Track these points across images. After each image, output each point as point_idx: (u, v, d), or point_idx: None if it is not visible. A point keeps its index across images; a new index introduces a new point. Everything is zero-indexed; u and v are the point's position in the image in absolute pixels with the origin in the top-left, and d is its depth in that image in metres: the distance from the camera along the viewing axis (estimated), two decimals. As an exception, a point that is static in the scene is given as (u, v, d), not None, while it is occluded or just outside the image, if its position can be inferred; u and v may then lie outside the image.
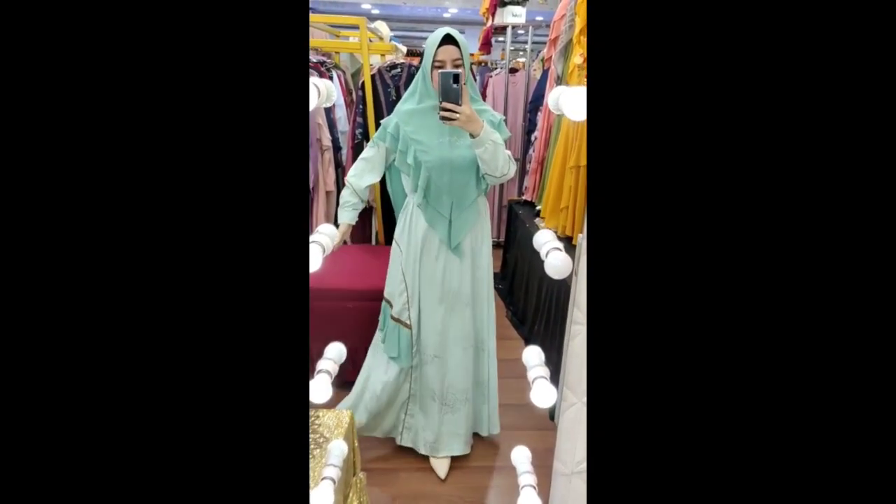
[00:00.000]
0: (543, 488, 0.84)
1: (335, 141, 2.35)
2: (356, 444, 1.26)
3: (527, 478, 0.84)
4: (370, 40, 2.45)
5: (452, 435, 1.60)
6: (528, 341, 2.35)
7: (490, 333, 1.59)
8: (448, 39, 1.28)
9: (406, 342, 1.52)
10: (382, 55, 2.50)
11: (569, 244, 1.93)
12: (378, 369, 1.59)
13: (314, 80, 0.58)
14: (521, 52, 5.34)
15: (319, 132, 2.26)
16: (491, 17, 3.17)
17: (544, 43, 2.84)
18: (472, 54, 3.15)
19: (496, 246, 2.01)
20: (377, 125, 2.15)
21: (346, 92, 2.52)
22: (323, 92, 0.60)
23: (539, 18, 4.56)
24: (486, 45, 3.61)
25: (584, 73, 1.82)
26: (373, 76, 2.16)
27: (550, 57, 2.31)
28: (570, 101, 0.61)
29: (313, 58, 2.31)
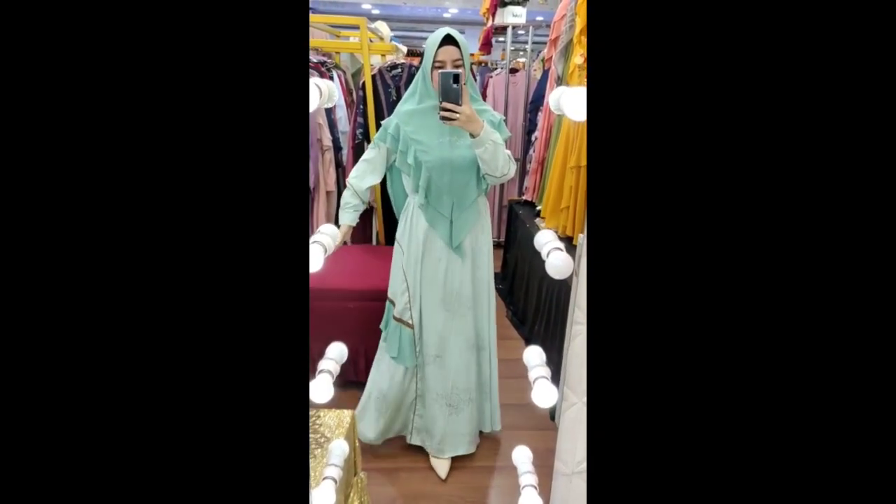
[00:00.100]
0: (544, 488, 0.84)
1: (336, 141, 2.35)
2: (357, 444, 1.26)
3: (528, 478, 0.84)
4: (371, 40, 2.45)
5: (457, 435, 1.60)
6: (528, 341, 2.35)
7: (491, 333, 1.60)
8: (448, 40, 1.28)
9: (408, 342, 1.52)
10: (383, 55, 2.51)
11: (569, 244, 1.93)
12: (385, 371, 1.60)
13: (316, 81, 0.58)
14: (521, 53, 5.35)
15: (320, 132, 2.26)
16: (491, 18, 3.17)
17: (544, 43, 2.84)
18: (472, 54, 3.15)
19: (496, 246, 2.01)
20: (378, 125, 2.15)
21: (347, 92, 2.52)
22: (325, 92, 0.60)
23: (539, 18, 4.55)
24: (486, 46, 3.61)
25: (585, 73, 1.82)
26: (373, 76, 2.16)
27: (551, 57, 2.31)
28: (571, 102, 0.61)
29: (314, 58, 2.31)
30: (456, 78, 1.16)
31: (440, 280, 1.47)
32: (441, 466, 1.61)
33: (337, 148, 2.37)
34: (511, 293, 2.81)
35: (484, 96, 3.59)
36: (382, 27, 2.95)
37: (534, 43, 3.55)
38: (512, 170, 1.36)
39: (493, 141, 1.27)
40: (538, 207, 2.56)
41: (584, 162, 1.91)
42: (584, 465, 0.82)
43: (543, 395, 0.74)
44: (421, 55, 1.42)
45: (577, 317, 0.78)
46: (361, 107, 2.20)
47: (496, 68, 4.07)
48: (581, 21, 1.93)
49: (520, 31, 3.54)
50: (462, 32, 1.32)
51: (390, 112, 2.16)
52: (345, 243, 1.47)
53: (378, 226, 2.39)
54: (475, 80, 3.40)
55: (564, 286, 1.83)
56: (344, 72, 2.57)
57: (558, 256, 0.69)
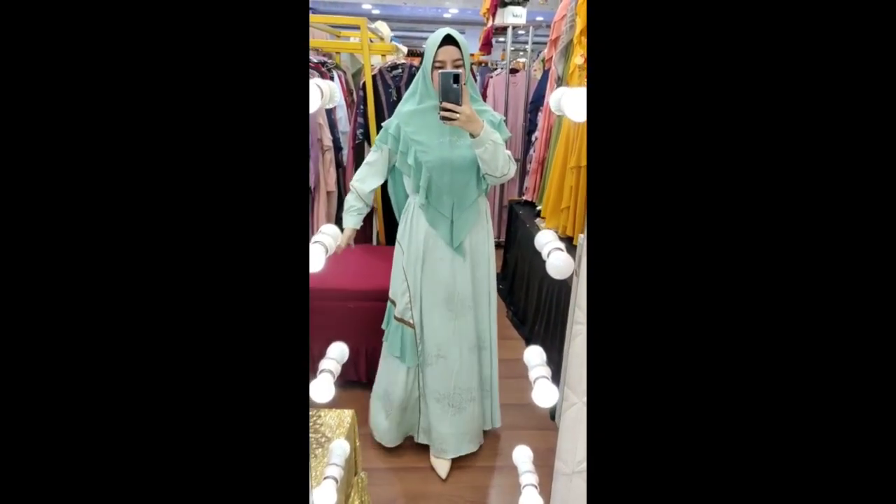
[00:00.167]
0: (545, 488, 0.84)
1: (336, 141, 2.36)
2: (357, 444, 1.27)
3: (528, 477, 0.84)
4: (371, 41, 2.45)
5: (459, 435, 1.60)
6: (528, 341, 2.36)
7: (492, 332, 1.60)
8: (448, 40, 1.28)
9: (410, 341, 1.53)
10: (383, 55, 2.51)
11: (569, 244, 1.94)
12: (389, 371, 1.61)
13: (318, 81, 0.58)
14: (521, 53, 5.34)
15: (321, 132, 2.26)
16: (491, 18, 3.17)
17: (545, 43, 2.84)
18: (472, 55, 3.16)
19: (497, 246, 2.01)
20: (378, 125, 2.16)
21: (347, 92, 2.53)
22: (326, 93, 0.61)
23: (539, 19, 4.56)
24: (486, 46, 3.61)
25: (585, 73, 1.83)
26: (374, 76, 2.16)
27: (551, 57, 2.31)
28: (572, 102, 0.61)
29: (314, 58, 2.31)
30: (456, 78, 1.17)
31: (441, 280, 1.48)
32: (441, 466, 1.61)
33: (337, 148, 2.37)
34: (511, 293, 2.81)
35: (484, 96, 3.59)
36: (383, 27, 2.95)
37: (534, 43, 3.56)
38: (512, 170, 1.36)
39: (493, 141, 1.27)
40: (538, 207, 2.56)
41: (584, 162, 1.91)
42: (585, 464, 0.82)
43: (544, 394, 0.74)
44: (421, 55, 1.42)
45: (578, 317, 0.78)
46: (362, 107, 2.20)
47: (496, 68, 4.07)
48: (581, 21, 1.93)
49: (520, 32, 3.54)
50: (462, 32, 1.32)
51: (391, 112, 2.16)
52: (349, 246, 1.47)
53: (378, 226, 2.39)
54: (475, 80, 3.40)
55: (564, 286, 1.83)
56: (344, 72, 2.57)
57: (559, 257, 0.69)
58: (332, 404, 0.88)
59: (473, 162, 1.36)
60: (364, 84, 2.15)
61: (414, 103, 1.39)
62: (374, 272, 1.90)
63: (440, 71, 1.20)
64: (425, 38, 1.42)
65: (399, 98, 2.16)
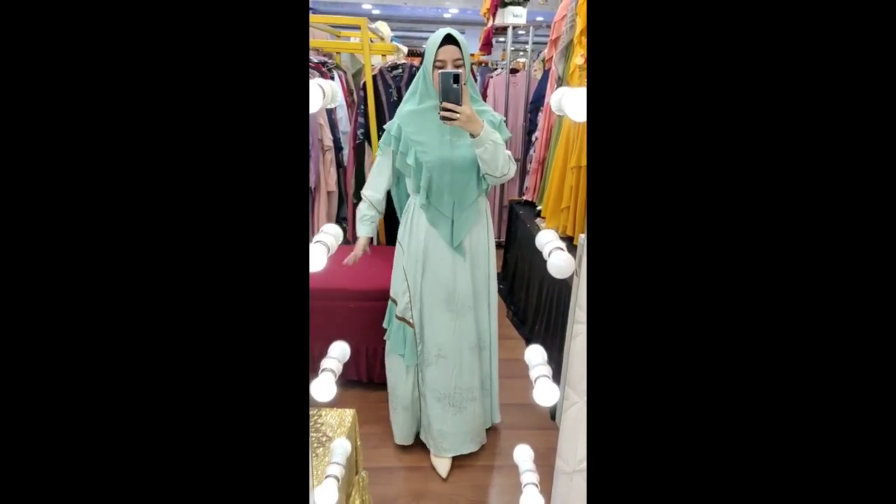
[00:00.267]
0: (545, 487, 0.84)
1: (337, 141, 2.36)
2: (359, 443, 1.27)
3: (529, 476, 0.85)
4: (371, 41, 2.45)
5: (459, 434, 1.61)
6: (528, 341, 2.36)
7: (492, 331, 1.61)
8: (449, 39, 1.28)
9: (411, 341, 1.54)
10: (384, 55, 2.51)
11: (569, 244, 1.94)
12: (394, 371, 1.63)
13: (319, 81, 0.58)
14: (521, 53, 5.34)
15: (321, 132, 2.26)
16: (492, 18, 3.17)
17: (545, 43, 2.84)
18: (472, 55, 3.16)
19: (497, 246, 2.02)
20: (379, 125, 2.16)
21: (348, 92, 2.53)
22: (328, 93, 0.61)
23: (540, 19, 4.56)
24: (486, 46, 3.61)
25: (585, 73, 1.83)
26: (374, 76, 2.17)
27: (551, 57, 2.32)
28: (572, 102, 0.61)
29: (315, 58, 2.31)
30: (456, 78, 1.17)
31: (441, 280, 1.48)
32: (442, 465, 1.61)
33: (338, 148, 2.37)
34: (511, 293, 2.81)
35: (484, 96, 3.59)
36: (383, 27, 2.95)
37: (534, 43, 3.56)
38: (512, 170, 1.36)
39: (493, 141, 1.27)
40: (538, 207, 2.57)
41: (584, 162, 1.91)
42: (585, 463, 0.82)
43: (545, 393, 0.74)
44: (421, 55, 1.43)
45: (578, 316, 0.78)
46: (362, 107, 2.20)
47: (496, 68, 4.07)
48: (581, 21, 1.93)
49: (520, 32, 3.54)
50: (462, 32, 1.33)
51: (391, 112, 2.17)
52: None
53: (378, 226, 2.39)
54: (476, 80, 3.40)
55: (564, 286, 1.84)
56: (345, 72, 2.57)
57: (560, 256, 0.69)
58: (334, 403, 0.88)
59: (474, 162, 1.36)
60: (364, 84, 2.15)
61: (414, 103, 1.40)
62: (375, 272, 1.91)
63: (440, 71, 1.20)
64: (425, 38, 1.42)
65: (399, 98, 2.17)
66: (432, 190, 1.41)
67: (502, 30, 3.24)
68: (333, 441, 0.93)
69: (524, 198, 2.98)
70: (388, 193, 1.57)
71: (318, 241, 0.69)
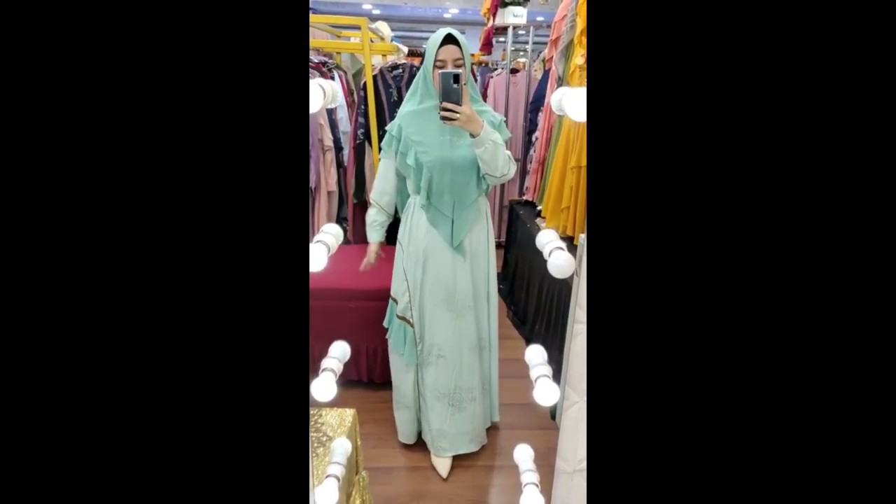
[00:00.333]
0: (545, 486, 0.85)
1: (337, 141, 2.36)
2: (359, 443, 1.27)
3: (529, 476, 0.85)
4: (371, 41, 2.46)
5: (459, 434, 1.61)
6: (528, 341, 2.36)
7: (492, 331, 1.61)
8: (449, 39, 1.28)
9: (410, 340, 1.54)
10: (384, 55, 2.51)
11: (570, 244, 1.94)
12: (397, 370, 1.64)
13: (320, 82, 0.58)
14: (521, 53, 5.34)
15: (321, 133, 2.27)
16: (492, 18, 3.17)
17: (545, 43, 2.84)
18: (472, 55, 3.16)
19: (497, 246, 2.02)
20: (379, 125, 2.16)
21: (348, 92, 2.53)
22: (329, 93, 0.61)
23: (540, 19, 4.56)
24: (486, 46, 3.62)
25: (585, 73, 1.83)
26: (374, 76, 2.17)
27: (551, 57, 2.32)
28: (573, 102, 0.61)
29: (315, 58, 2.31)
30: (456, 78, 1.17)
31: (441, 280, 1.48)
32: (442, 465, 1.61)
33: (338, 148, 2.37)
34: (512, 293, 2.81)
35: (484, 96, 3.59)
36: (383, 27, 2.95)
37: (534, 43, 3.56)
38: (512, 170, 1.36)
39: (493, 141, 1.27)
40: (539, 207, 2.57)
41: (584, 162, 1.91)
42: (585, 463, 0.82)
43: (545, 393, 0.74)
44: (422, 55, 1.43)
45: (579, 316, 0.78)
46: (363, 107, 2.20)
47: (497, 69, 4.07)
48: (582, 21, 1.93)
49: (520, 32, 3.54)
50: (463, 32, 1.33)
51: (391, 112, 2.17)
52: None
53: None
54: (476, 80, 3.39)
55: (565, 286, 1.84)
56: (345, 72, 2.57)
57: (560, 256, 0.69)
58: (334, 403, 0.88)
59: (474, 162, 1.36)
60: (365, 84, 2.15)
61: (415, 103, 1.40)
62: (375, 272, 1.90)
63: (440, 71, 1.20)
64: (426, 39, 1.42)
65: (400, 98, 2.17)
66: (432, 190, 1.41)
67: (502, 30, 3.24)
68: (334, 441, 0.93)
69: (524, 198, 2.98)
70: None
71: (318, 241, 0.69)
